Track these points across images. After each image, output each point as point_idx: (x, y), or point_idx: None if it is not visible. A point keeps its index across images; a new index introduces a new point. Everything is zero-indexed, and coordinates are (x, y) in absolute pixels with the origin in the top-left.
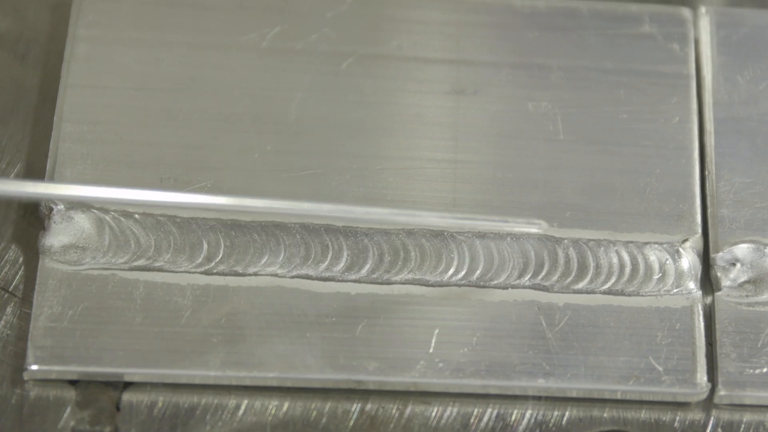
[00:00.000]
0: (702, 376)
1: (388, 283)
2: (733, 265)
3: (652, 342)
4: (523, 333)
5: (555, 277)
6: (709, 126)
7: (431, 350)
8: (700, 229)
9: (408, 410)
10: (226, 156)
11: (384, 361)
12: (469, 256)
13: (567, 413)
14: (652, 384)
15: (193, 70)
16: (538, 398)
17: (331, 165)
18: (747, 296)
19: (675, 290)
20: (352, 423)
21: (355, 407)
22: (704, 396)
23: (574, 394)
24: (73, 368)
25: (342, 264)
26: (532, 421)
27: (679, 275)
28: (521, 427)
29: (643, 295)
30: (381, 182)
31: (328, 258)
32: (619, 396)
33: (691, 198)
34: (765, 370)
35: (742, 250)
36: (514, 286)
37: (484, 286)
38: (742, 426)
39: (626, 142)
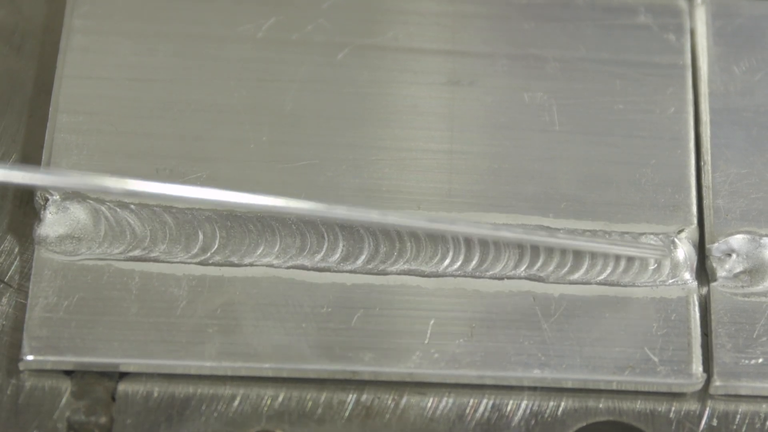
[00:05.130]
0: (697, 367)
1: (384, 273)
2: (729, 255)
3: (647, 332)
4: (519, 323)
5: (551, 268)
6: (705, 117)
7: (427, 341)
8: (695, 220)
9: (403, 401)
10: (222, 147)
11: (379, 351)
12: (465, 246)
13: (562, 404)
14: (648, 374)
15: (188, 60)
16: (534, 389)
17: (327, 156)
18: (742, 287)
19: (670, 281)
20: (347, 413)
21: (351, 398)
22: (700, 386)
23: (569, 385)
24: (68, 358)
25: (338, 254)
26: (528, 411)
27: (675, 266)
28: (517, 418)
29: (638, 286)
30: (376, 173)
31: (324, 248)
32: (614, 386)
33: (687, 189)
34: (760, 360)
35: (738, 240)
36: (509, 277)
37: (479, 277)
38: (738, 416)
39: (622, 133)
